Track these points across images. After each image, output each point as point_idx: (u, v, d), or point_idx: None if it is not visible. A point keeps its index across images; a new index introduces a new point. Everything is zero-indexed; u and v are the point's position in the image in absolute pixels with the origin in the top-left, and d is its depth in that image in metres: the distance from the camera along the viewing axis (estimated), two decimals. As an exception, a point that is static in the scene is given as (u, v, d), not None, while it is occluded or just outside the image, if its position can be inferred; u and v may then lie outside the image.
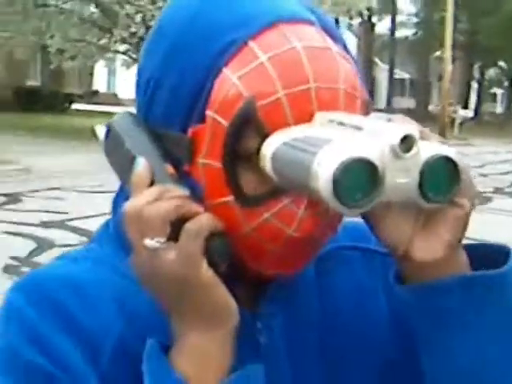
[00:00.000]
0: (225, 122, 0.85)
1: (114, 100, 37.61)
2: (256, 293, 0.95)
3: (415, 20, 51.61)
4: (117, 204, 0.97)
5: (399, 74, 56.01)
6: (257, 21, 0.87)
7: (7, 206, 11.04)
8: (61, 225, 9.71)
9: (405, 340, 0.97)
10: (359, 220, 0.96)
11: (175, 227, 0.84)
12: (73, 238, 8.62)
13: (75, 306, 0.91)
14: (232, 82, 0.85)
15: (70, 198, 11.80)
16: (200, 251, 0.83)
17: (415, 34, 51.01)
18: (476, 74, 53.18)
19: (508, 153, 25.68)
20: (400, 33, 51.29)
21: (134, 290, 0.90)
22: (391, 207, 0.83)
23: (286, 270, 0.91)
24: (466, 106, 45.60)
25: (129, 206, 0.85)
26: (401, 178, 0.79)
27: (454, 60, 35.86)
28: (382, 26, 50.44)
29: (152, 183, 0.87)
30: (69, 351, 0.89)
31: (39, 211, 10.60)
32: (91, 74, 41.03)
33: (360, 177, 0.77)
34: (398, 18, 50.16)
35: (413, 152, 0.79)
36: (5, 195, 11.86)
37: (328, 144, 0.79)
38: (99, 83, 47.11)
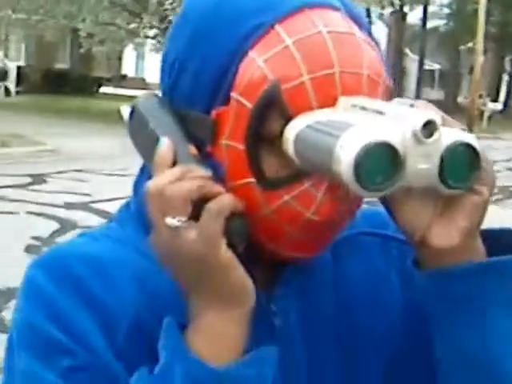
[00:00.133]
0: (249, 105, 0.86)
1: (142, 84, 37.69)
2: (272, 275, 0.96)
3: (447, 11, 51.21)
4: (138, 184, 0.98)
5: (429, 64, 55.66)
6: (283, 5, 0.88)
7: (32, 187, 11.12)
8: (84, 206, 9.78)
9: (417, 328, 0.98)
10: (378, 207, 0.99)
11: (197, 207, 0.85)
12: (95, 220, 8.66)
13: (95, 283, 0.92)
14: (257, 65, 0.86)
15: (95, 180, 11.88)
16: (220, 231, 0.85)
17: (446, 24, 50.64)
18: (507, 66, 52.71)
19: (537, 147, 25.42)
20: (431, 23, 50.92)
21: (155, 269, 0.91)
22: (410, 193, 0.84)
23: (303, 253, 0.92)
24: (495, 99, 45.21)
25: (151, 184, 0.86)
26: (421, 164, 0.80)
27: (485, 52, 35.57)
28: (414, 16, 50.09)
29: (175, 163, 0.88)
30: (87, 327, 0.90)
31: (63, 192, 10.68)
32: (120, 59, 41.14)
33: (381, 161, 0.78)
34: (430, 9, 49.79)
35: (434, 138, 0.79)
36: (30, 176, 11.95)
37: (350, 128, 0.80)
38: (128, 67, 47.23)
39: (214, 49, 0.88)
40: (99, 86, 35.78)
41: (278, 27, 0.87)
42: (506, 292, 0.88)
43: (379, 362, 1.01)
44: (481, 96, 32.86)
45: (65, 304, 0.91)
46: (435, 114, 0.80)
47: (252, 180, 0.88)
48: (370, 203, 0.97)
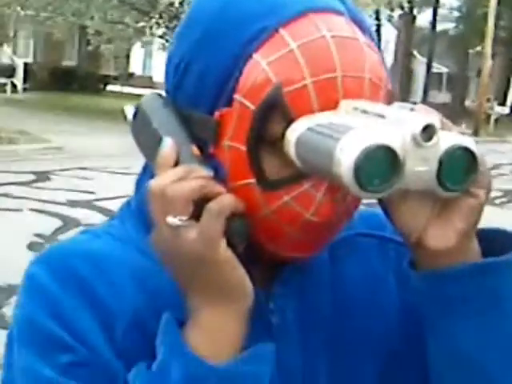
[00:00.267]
0: (252, 107, 0.88)
1: (149, 83, 37.64)
2: (271, 274, 0.98)
3: (457, 14, 51.12)
4: (140, 183, 1.00)
5: (437, 67, 55.58)
6: (288, 9, 0.89)
7: (36, 184, 11.12)
8: (87, 204, 9.78)
9: (413, 329, 0.98)
10: (375, 208, 1.00)
11: (198, 207, 0.86)
12: (98, 218, 8.66)
13: (96, 280, 0.93)
14: (261, 68, 0.87)
15: (99, 178, 11.88)
16: (221, 231, 0.86)
17: (456, 27, 50.53)
18: (516, 70, 52.59)
19: (543, 151, 25.37)
20: (441, 26, 50.86)
21: (155, 268, 0.92)
22: (408, 194, 0.85)
23: (301, 253, 0.93)
24: (503, 103, 45.12)
25: (154, 184, 0.87)
26: (420, 166, 0.81)
27: (494, 55, 35.52)
28: (423, 18, 50.05)
29: (177, 163, 0.89)
30: (88, 325, 0.91)
31: (67, 190, 10.69)
32: (128, 57, 41.14)
33: (381, 163, 0.79)
34: (440, 12, 49.71)
35: (433, 141, 0.81)
36: (35, 173, 11.95)
37: (351, 130, 0.81)
38: (135, 66, 47.26)
39: (220, 51, 0.90)
40: (106, 84, 35.79)
41: (282, 31, 0.89)
42: (501, 293, 0.89)
43: (375, 363, 1.02)
44: (488, 100, 32.80)
45: (66, 302, 0.92)
46: (434, 118, 0.81)
47: (253, 181, 0.89)
48: (368, 205, 0.98)
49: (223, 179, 0.90)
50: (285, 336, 0.97)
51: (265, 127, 0.88)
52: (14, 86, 28.75)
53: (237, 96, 0.89)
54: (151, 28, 23.49)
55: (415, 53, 52.18)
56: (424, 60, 51.14)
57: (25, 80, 29.80)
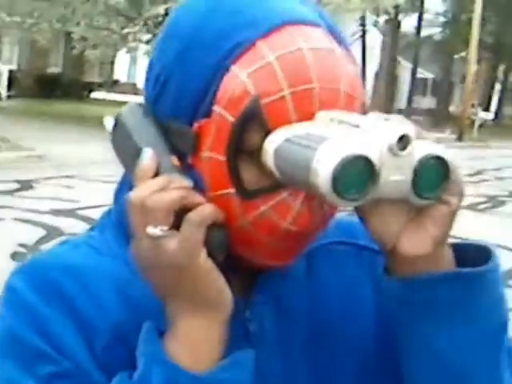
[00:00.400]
0: (231, 118, 0.89)
1: (134, 90, 37.69)
2: (249, 282, 0.99)
3: (442, 19, 51.33)
4: (119, 193, 1.00)
5: (422, 73, 55.78)
6: (266, 22, 0.90)
7: (19, 193, 11.05)
8: (71, 213, 9.73)
9: (388, 334, 0.99)
10: (349, 217, 1.05)
11: (178, 217, 0.87)
12: (82, 227, 8.57)
13: (77, 294, 0.94)
14: (240, 80, 0.89)
15: (82, 186, 11.83)
16: (201, 241, 0.86)
17: (442, 32, 50.75)
18: (500, 75, 52.84)
19: (527, 157, 25.47)
20: (426, 32, 51.04)
21: (136, 279, 0.92)
22: (382, 203, 0.87)
23: (279, 261, 0.94)
24: (487, 108, 45.34)
25: (134, 194, 0.88)
26: (395, 176, 0.83)
27: (479, 61, 35.67)
28: (408, 24, 50.19)
29: (157, 174, 0.89)
30: (69, 337, 0.92)
31: (50, 199, 10.64)
32: (112, 63, 41.11)
33: (358, 173, 0.81)
34: (425, 17, 49.89)
35: (408, 151, 0.83)
36: (18, 182, 11.86)
37: (328, 141, 0.82)
38: (120, 73, 47.27)
39: (198, 63, 0.90)
40: (90, 91, 35.74)
41: (260, 43, 0.90)
42: (471, 301, 0.91)
43: (353, 368, 1.03)
44: (473, 105, 32.95)
45: (47, 314, 0.92)
46: (409, 128, 0.83)
47: (232, 191, 0.90)
48: (343, 212, 0.99)
49: (202, 189, 0.90)
50: (262, 343, 0.98)
51: (243, 138, 0.89)
52: (-2, 93, 28.64)
53: (216, 107, 0.89)
54: (136, 34, 23.44)
55: (400, 58, 52.35)
56: (409, 65, 51.34)
57: (9, 87, 29.69)
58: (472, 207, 12.75)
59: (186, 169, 0.91)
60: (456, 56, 47.94)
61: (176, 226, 0.86)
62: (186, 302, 0.89)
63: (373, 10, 27.98)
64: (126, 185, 0.98)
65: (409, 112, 42.56)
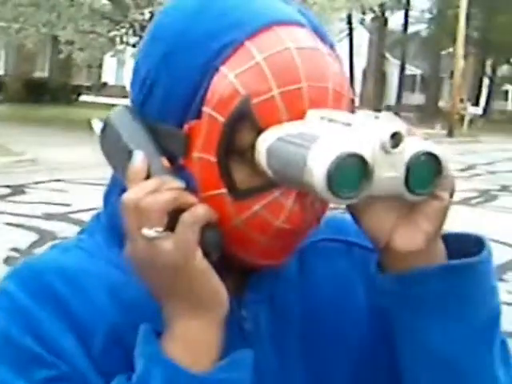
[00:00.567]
0: (221, 119, 0.89)
1: (123, 92, 37.58)
2: (242, 282, 0.98)
3: (428, 15, 51.42)
4: (109, 197, 1.00)
5: (410, 69, 55.87)
6: (252, 22, 0.91)
7: (11, 198, 11.03)
8: (63, 217, 9.71)
9: (382, 330, 0.99)
10: (339, 214, 1.06)
11: (172, 218, 0.87)
12: (75, 230, 8.52)
13: (71, 296, 0.93)
14: (229, 81, 0.89)
15: (74, 190, 11.80)
16: (196, 241, 0.87)
17: (428, 28, 50.83)
18: (488, 70, 52.96)
19: (517, 151, 25.55)
20: (413, 28, 51.12)
21: (128, 280, 0.93)
22: (375, 200, 0.87)
23: (272, 260, 0.95)
24: (476, 103, 45.44)
25: (127, 197, 0.87)
26: (388, 172, 0.84)
27: (466, 56, 35.75)
28: (395, 21, 50.25)
29: (148, 176, 0.89)
30: (64, 340, 0.92)
31: (43, 203, 10.61)
32: (100, 66, 41.03)
33: (352, 171, 0.82)
34: (411, 14, 49.97)
35: (400, 148, 0.83)
36: (9, 187, 11.85)
37: (321, 139, 0.83)
38: (108, 75, 47.16)
39: (186, 65, 0.90)
40: (78, 95, 35.65)
41: (248, 44, 0.90)
42: (464, 293, 0.91)
43: (348, 365, 1.03)
44: (461, 100, 33.04)
45: (42, 317, 0.92)
46: (401, 126, 0.84)
47: (224, 191, 0.90)
48: (333, 210, 0.99)
49: (194, 190, 0.90)
50: (258, 342, 0.98)
51: (234, 138, 0.89)
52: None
53: (205, 108, 0.90)
54: (123, 37, 23.42)
55: (388, 55, 52.43)
56: (397, 62, 51.44)
57: (-3, 92, 29.63)
58: (465, 202, 12.79)
59: (177, 170, 0.91)
60: (443, 52, 48.05)
61: (170, 227, 0.87)
62: (182, 302, 0.89)
63: (359, 8, 27.99)
64: (115, 188, 0.97)
65: (398, 108, 42.59)
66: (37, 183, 12.36)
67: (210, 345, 0.89)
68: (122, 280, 0.95)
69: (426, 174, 0.86)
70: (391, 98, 50.70)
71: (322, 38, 0.95)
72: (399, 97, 48.69)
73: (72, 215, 9.78)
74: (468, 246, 0.95)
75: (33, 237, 8.56)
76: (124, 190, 0.90)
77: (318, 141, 0.83)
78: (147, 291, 0.91)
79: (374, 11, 34.59)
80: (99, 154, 0.97)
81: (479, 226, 9.24)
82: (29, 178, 12.74)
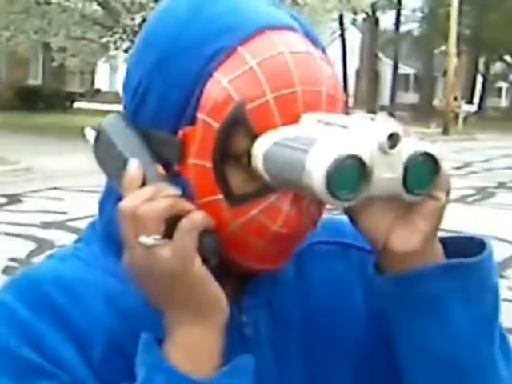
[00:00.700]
0: (216, 124, 0.89)
1: (116, 98, 37.57)
2: (241, 287, 0.98)
3: (420, 14, 51.45)
4: (104, 205, 1.00)
5: (403, 68, 55.90)
6: (245, 27, 0.91)
7: (8, 207, 11.00)
8: (61, 225, 9.69)
9: (381, 331, 0.99)
10: (335, 216, 1.06)
11: (169, 225, 0.87)
12: (72, 238, 8.49)
13: (66, 304, 0.93)
14: (222, 86, 0.89)
15: (71, 197, 11.78)
16: (194, 247, 0.87)
17: (420, 27, 50.87)
18: (481, 68, 53.01)
19: (512, 147, 25.58)
20: (405, 27, 51.16)
21: (125, 289, 0.93)
22: (372, 201, 0.88)
23: (270, 265, 0.95)
24: (470, 101, 45.46)
25: (124, 205, 0.87)
26: (387, 173, 0.85)
27: (459, 54, 35.77)
28: (387, 20, 50.30)
29: (143, 184, 0.89)
30: (62, 348, 0.91)
31: (40, 211, 10.58)
32: (93, 73, 40.99)
33: (351, 172, 0.82)
34: (403, 13, 49.97)
35: (398, 148, 0.84)
36: (5, 196, 11.82)
37: (319, 142, 0.83)
38: (101, 82, 47.15)
39: (179, 72, 0.90)
40: (72, 102, 35.59)
41: (240, 49, 0.90)
42: (464, 292, 0.91)
43: (349, 368, 1.03)
44: (455, 98, 33.06)
45: (41, 328, 0.92)
46: (397, 126, 0.84)
47: (220, 197, 0.90)
48: (329, 212, 1.00)
49: (190, 197, 0.90)
50: (259, 347, 0.98)
51: (229, 144, 0.89)
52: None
53: (200, 115, 0.90)
54: (115, 43, 23.39)
55: (380, 55, 52.47)
56: (390, 62, 51.46)
57: (-11, 101, 29.58)
58: (462, 200, 12.80)
59: (173, 177, 0.91)
60: (436, 50, 48.09)
61: (168, 234, 0.87)
62: (182, 309, 0.89)
63: (350, 9, 27.99)
64: (110, 196, 0.97)
65: (392, 108, 42.65)
66: (33, 192, 12.33)
67: (212, 351, 0.89)
68: (119, 289, 0.95)
69: (424, 174, 0.86)
70: (385, 97, 50.73)
71: (314, 42, 0.95)
72: (393, 96, 48.72)
73: (69, 223, 9.75)
74: (470, 248, 0.94)
75: (31, 246, 8.53)
76: (120, 198, 0.90)
77: (316, 144, 0.83)
78: (145, 299, 0.91)
79: (366, 13, 34.60)
80: (93, 161, 0.96)
81: (477, 223, 9.26)
82: (24, 187, 12.71)
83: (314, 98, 0.90)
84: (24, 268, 1.01)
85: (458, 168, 17.63)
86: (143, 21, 20.72)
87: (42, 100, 32.98)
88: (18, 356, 0.91)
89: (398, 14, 48.61)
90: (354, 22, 46.31)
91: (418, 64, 53.28)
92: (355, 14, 33.18)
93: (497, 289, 0.95)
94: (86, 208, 10.10)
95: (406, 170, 0.85)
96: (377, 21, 46.89)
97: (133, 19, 21.71)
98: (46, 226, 9.68)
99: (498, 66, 55.05)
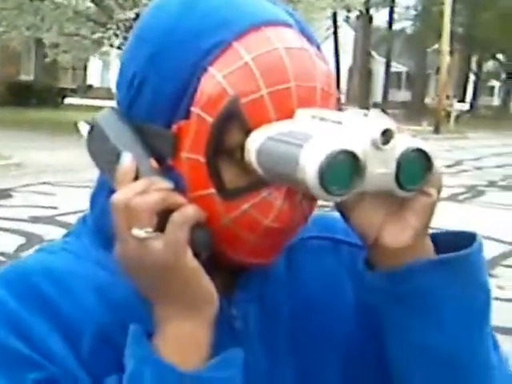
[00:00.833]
0: (210, 119, 0.89)
1: (108, 94, 37.52)
2: (231, 281, 0.99)
3: (413, 12, 51.51)
4: (95, 199, 1.00)
5: (396, 66, 56.00)
6: (240, 23, 0.91)
7: (-3, 202, 10.95)
8: (50, 220, 9.67)
9: (371, 327, 0.99)
10: (326, 212, 1.08)
11: (161, 218, 0.87)
12: (62, 233, 8.45)
13: (58, 297, 0.93)
14: (217, 81, 0.89)
15: (61, 193, 11.76)
16: (186, 240, 0.87)
17: (413, 25, 50.93)
18: (474, 67, 53.10)
19: (503, 146, 25.71)
20: (398, 25, 51.25)
21: (115, 280, 0.94)
22: (364, 196, 0.89)
23: (262, 259, 0.95)
24: (462, 99, 45.54)
25: (116, 197, 0.88)
26: (380, 169, 0.85)
27: (451, 52, 35.83)
28: (380, 18, 50.37)
29: (136, 177, 0.90)
30: (53, 341, 0.92)
31: (29, 206, 10.56)
32: (85, 69, 40.96)
33: (344, 168, 0.83)
34: (396, 11, 50.03)
35: (391, 144, 0.85)
36: (-4, 190, 11.77)
37: (313, 137, 0.84)
38: (93, 78, 47.12)
39: (174, 66, 0.91)
40: (64, 97, 35.52)
41: (236, 44, 0.90)
42: (455, 287, 0.92)
43: (338, 362, 1.03)
44: (448, 97, 33.13)
45: (30, 320, 0.92)
46: (391, 123, 0.85)
47: (213, 191, 0.91)
48: (320, 208, 1.00)
49: (183, 190, 0.91)
50: (248, 340, 0.98)
51: (223, 138, 0.89)
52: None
53: (194, 109, 0.90)
54: (109, 39, 23.36)
55: (373, 53, 52.52)
56: (382, 60, 51.54)
57: (-19, 96, 29.50)
58: (452, 198, 12.82)
59: (166, 171, 0.91)
60: (429, 49, 48.15)
61: (160, 227, 0.87)
62: (173, 302, 0.89)
63: (343, 7, 28.04)
64: (102, 190, 0.98)
65: (385, 106, 42.71)
66: (23, 186, 12.31)
67: (201, 344, 0.90)
68: (109, 280, 0.95)
69: (416, 170, 0.87)
70: (377, 95, 50.83)
71: (309, 38, 0.96)
72: (385, 94, 48.81)
73: (59, 218, 9.74)
74: (460, 243, 0.95)
75: (20, 240, 8.52)
76: (112, 191, 0.90)
77: (310, 139, 0.84)
78: (135, 291, 0.91)
79: (360, 10, 34.64)
80: (85, 156, 0.96)
81: (467, 221, 9.27)
82: (15, 182, 12.68)
83: (309, 94, 0.90)
84: (12, 262, 1.00)
85: (449, 166, 17.66)
86: (136, 17, 20.71)
87: (34, 95, 32.92)
88: (7, 348, 0.91)
89: (392, 12, 48.68)
90: (347, 20, 46.36)
91: (410, 62, 53.36)
92: (349, 11, 33.23)
93: (487, 287, 0.95)
94: (76, 203, 10.05)
95: (398, 165, 0.86)
96: (370, 19, 46.90)
97: (126, 15, 21.67)
98: (35, 220, 9.66)
99: (490, 65, 55.18)
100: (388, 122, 0.85)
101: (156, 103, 0.92)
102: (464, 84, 51.07)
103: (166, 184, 0.89)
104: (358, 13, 40.69)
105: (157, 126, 0.92)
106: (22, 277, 0.95)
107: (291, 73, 0.90)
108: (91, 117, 0.97)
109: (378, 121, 0.85)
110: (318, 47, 0.97)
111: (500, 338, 1.00)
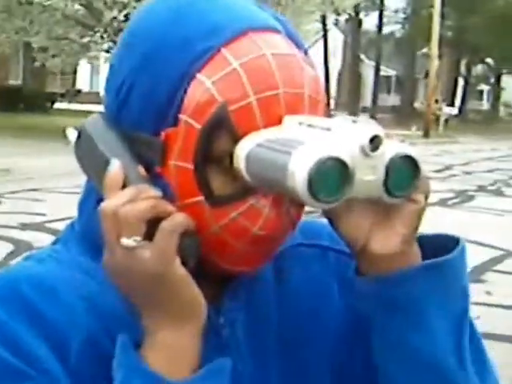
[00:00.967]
0: (198, 126, 0.89)
1: (97, 99, 37.45)
2: (219, 289, 0.98)
3: (402, 16, 51.65)
4: (83, 206, 0.99)
5: (385, 70, 56.11)
6: (229, 29, 0.91)
7: (-15, 208, 10.90)
8: (39, 227, 9.62)
9: (357, 333, 1.00)
10: (312, 218, 1.08)
11: (150, 227, 0.87)
12: (51, 240, 8.43)
13: (45, 305, 0.92)
14: (205, 88, 0.89)
15: (49, 199, 11.71)
16: (174, 249, 0.87)
17: (402, 28, 51.07)
18: (463, 71, 53.24)
19: (492, 150, 25.79)
20: (387, 29, 51.39)
21: (104, 289, 0.93)
22: (352, 203, 0.88)
23: (249, 266, 0.95)
24: (451, 104, 45.66)
25: (105, 206, 0.88)
26: (368, 176, 0.85)
27: (440, 56, 35.92)
28: (370, 22, 50.50)
29: (124, 185, 0.89)
30: (41, 350, 0.90)
31: (18, 213, 10.50)
32: (74, 73, 40.91)
33: (333, 175, 0.83)
34: (386, 14, 50.16)
35: (380, 151, 0.85)
36: (-17, 197, 11.72)
37: (302, 144, 0.84)
38: (82, 82, 47.05)
39: (163, 72, 0.90)
40: (53, 102, 35.44)
41: (224, 50, 0.90)
42: (440, 293, 0.92)
43: (325, 369, 1.03)
44: (437, 101, 33.21)
45: (17, 328, 0.91)
46: (379, 129, 0.85)
47: (201, 198, 0.90)
48: (307, 215, 1.00)
49: (171, 198, 0.90)
50: (236, 349, 0.98)
51: (211, 145, 0.89)
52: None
53: (182, 116, 0.89)
54: (96, 43, 23.32)
55: (363, 57, 52.61)
56: (372, 63, 51.62)
57: (-32, 102, 29.41)
58: (441, 203, 12.83)
59: (154, 178, 0.91)
60: (418, 52, 48.27)
61: (149, 236, 0.87)
62: (162, 311, 0.89)
63: (333, 11, 28.08)
64: (90, 196, 0.97)
65: (374, 110, 42.79)
66: (12, 193, 12.25)
67: (189, 353, 0.90)
68: (96, 289, 0.94)
69: (405, 176, 0.87)
70: (367, 99, 50.89)
71: (297, 44, 0.95)
72: (375, 98, 48.87)
73: (48, 224, 9.70)
74: (440, 244, 0.96)
75: (9, 248, 8.47)
76: (99, 198, 0.90)
77: (300, 146, 0.83)
78: (122, 300, 0.91)
79: (349, 14, 34.71)
80: (74, 162, 0.95)
81: (456, 226, 9.25)
82: (4, 188, 12.62)
83: (297, 100, 0.90)
84: (2, 269, 0.99)
85: (438, 171, 17.69)
86: (126, 19, 20.68)
87: (22, 100, 32.80)
88: None
89: (381, 16, 48.77)
90: (336, 23, 46.44)
91: (399, 66, 53.46)
92: (338, 14, 33.28)
93: (467, 291, 0.96)
94: (65, 209, 10.04)
95: (387, 172, 0.86)
96: (360, 22, 47.01)
97: (115, 17, 21.64)
98: (24, 227, 9.60)
99: (479, 69, 55.34)
100: (376, 129, 0.85)
101: (144, 109, 0.91)
102: (453, 88, 51.22)
103: (155, 192, 0.89)
104: (347, 16, 40.76)
105: (145, 134, 0.91)
106: (9, 285, 0.93)
107: (279, 79, 0.89)
108: (80, 122, 0.96)
109: (366, 127, 0.85)
110: (306, 52, 0.96)
111: (489, 343, 0.98)
